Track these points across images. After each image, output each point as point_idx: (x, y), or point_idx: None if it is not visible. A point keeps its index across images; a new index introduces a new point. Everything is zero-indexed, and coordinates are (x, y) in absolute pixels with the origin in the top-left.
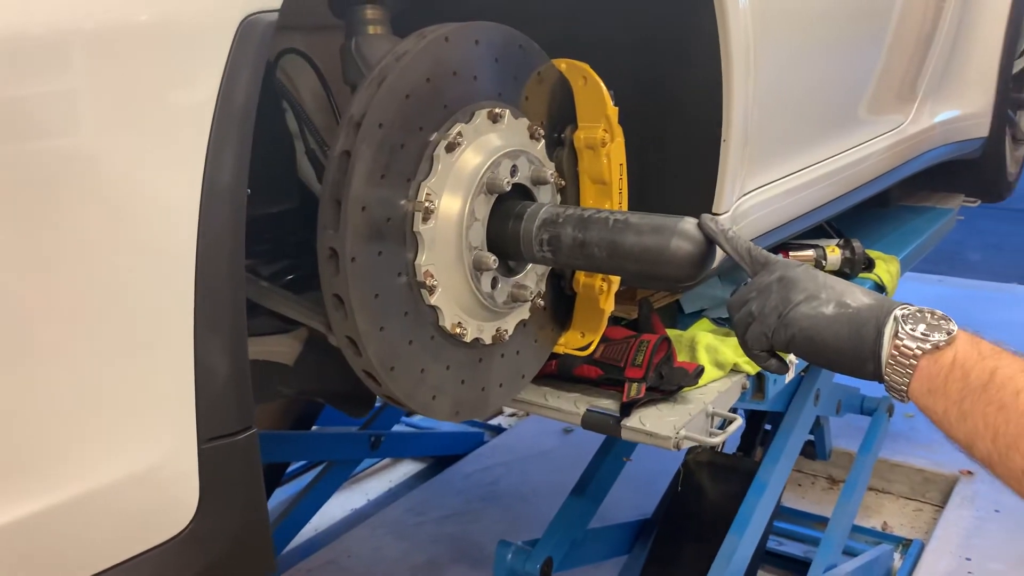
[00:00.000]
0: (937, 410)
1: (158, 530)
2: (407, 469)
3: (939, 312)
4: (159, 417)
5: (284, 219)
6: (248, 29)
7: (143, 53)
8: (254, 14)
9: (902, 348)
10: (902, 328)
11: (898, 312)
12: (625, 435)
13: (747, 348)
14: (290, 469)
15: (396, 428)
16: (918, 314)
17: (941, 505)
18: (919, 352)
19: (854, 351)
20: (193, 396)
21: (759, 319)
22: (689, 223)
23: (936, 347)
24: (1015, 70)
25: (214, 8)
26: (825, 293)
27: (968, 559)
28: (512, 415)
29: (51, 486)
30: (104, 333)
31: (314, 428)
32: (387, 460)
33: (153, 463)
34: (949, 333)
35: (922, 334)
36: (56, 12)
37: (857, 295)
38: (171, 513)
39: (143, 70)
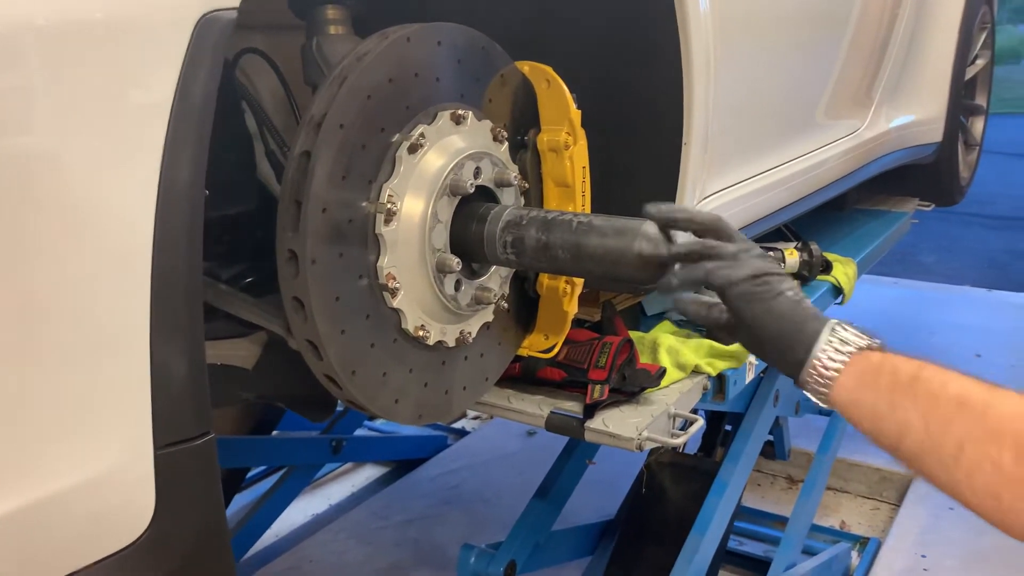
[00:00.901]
0: (866, 403)
1: (113, 538)
2: (370, 473)
3: (868, 329)
4: (113, 422)
5: (243, 220)
6: (206, 27)
7: (96, 50)
8: (212, 12)
9: (841, 338)
10: (837, 327)
11: (835, 321)
12: (588, 437)
13: (697, 279)
14: (250, 474)
15: (358, 432)
16: (852, 327)
17: (897, 504)
18: (853, 350)
19: (789, 337)
20: (149, 401)
21: (732, 264)
22: (652, 225)
23: (868, 347)
24: (967, 77)
25: (171, 5)
26: (792, 292)
27: (923, 556)
28: (475, 418)
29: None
30: (55, 336)
31: (275, 433)
32: (349, 464)
33: (107, 469)
34: (880, 339)
35: (855, 334)
36: (6, 7)
37: (809, 304)
38: (126, 520)
39: (96, 67)
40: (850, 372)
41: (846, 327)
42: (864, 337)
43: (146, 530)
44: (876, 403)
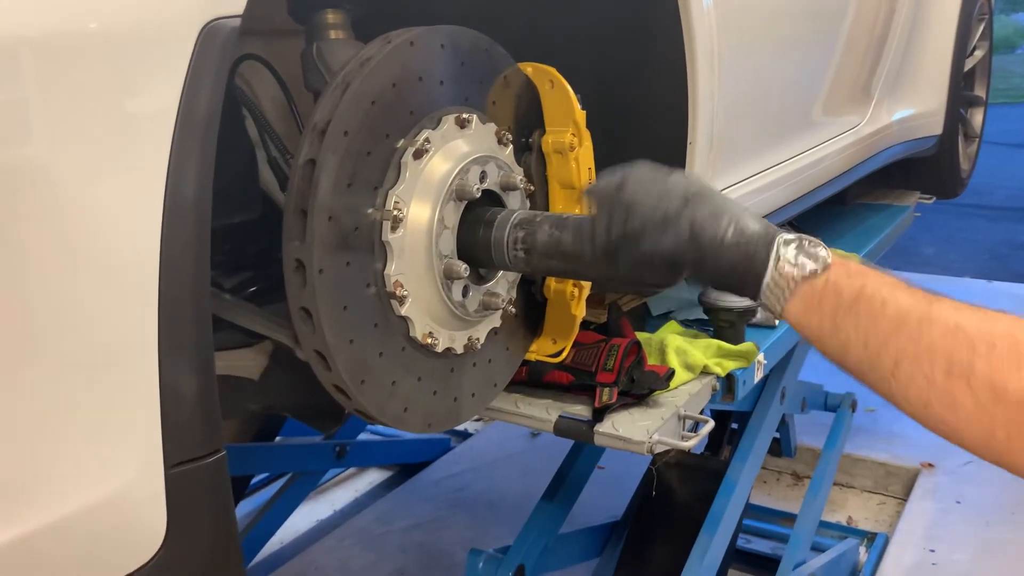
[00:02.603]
0: (812, 326)
1: (124, 560)
2: (373, 478)
3: (815, 239)
4: (124, 442)
5: (246, 229)
6: (210, 35)
7: (100, 60)
8: (216, 20)
9: (784, 273)
10: (783, 257)
11: (780, 239)
12: (598, 440)
13: (643, 245)
14: (254, 481)
15: (361, 437)
16: (797, 241)
17: (904, 498)
18: (798, 277)
19: (741, 275)
20: (159, 419)
21: (665, 225)
22: None
23: (813, 273)
24: (966, 68)
25: (175, 14)
26: (727, 217)
27: (932, 551)
28: (478, 420)
29: (9, 517)
30: (61, 353)
31: (278, 439)
32: (353, 469)
33: (118, 490)
34: (825, 259)
35: (800, 261)
36: (7, 18)
37: (748, 221)
38: (138, 542)
39: (99, 78)
40: (796, 299)
41: (789, 254)
42: (806, 263)
43: (158, 551)
44: (821, 325)
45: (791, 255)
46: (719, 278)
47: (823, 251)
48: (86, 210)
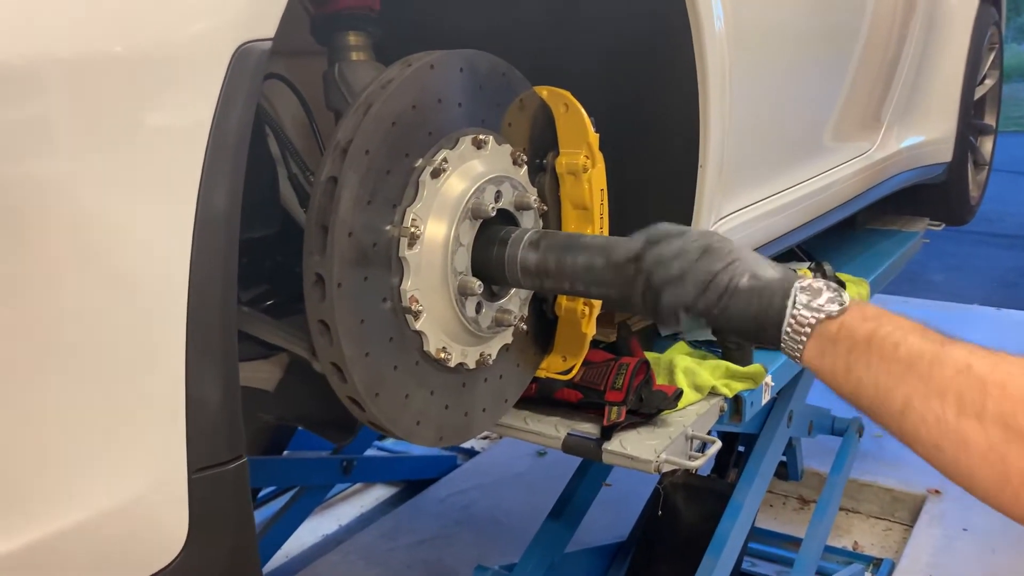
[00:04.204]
0: (826, 369)
1: (145, 564)
2: (379, 494)
3: (834, 284)
4: (149, 447)
5: (265, 243)
6: (242, 58)
7: (136, 81)
8: (248, 43)
9: (799, 318)
10: (800, 303)
11: (796, 286)
12: (606, 459)
13: (662, 307)
14: (261, 495)
15: (368, 452)
16: (815, 287)
17: (910, 524)
18: (813, 321)
19: (759, 322)
20: (184, 425)
21: (679, 283)
22: None
23: (829, 316)
24: (976, 97)
25: (209, 37)
26: (740, 265)
27: None
28: (485, 438)
29: (37, 519)
30: (92, 360)
31: (285, 453)
32: (359, 485)
33: (142, 494)
34: (841, 304)
35: (817, 306)
36: (45, 40)
37: (765, 267)
38: (159, 546)
39: (137, 99)
40: (811, 343)
41: (804, 299)
42: (823, 308)
43: (178, 555)
44: (834, 367)
45: (805, 300)
46: (738, 327)
47: (841, 295)
48: (120, 223)
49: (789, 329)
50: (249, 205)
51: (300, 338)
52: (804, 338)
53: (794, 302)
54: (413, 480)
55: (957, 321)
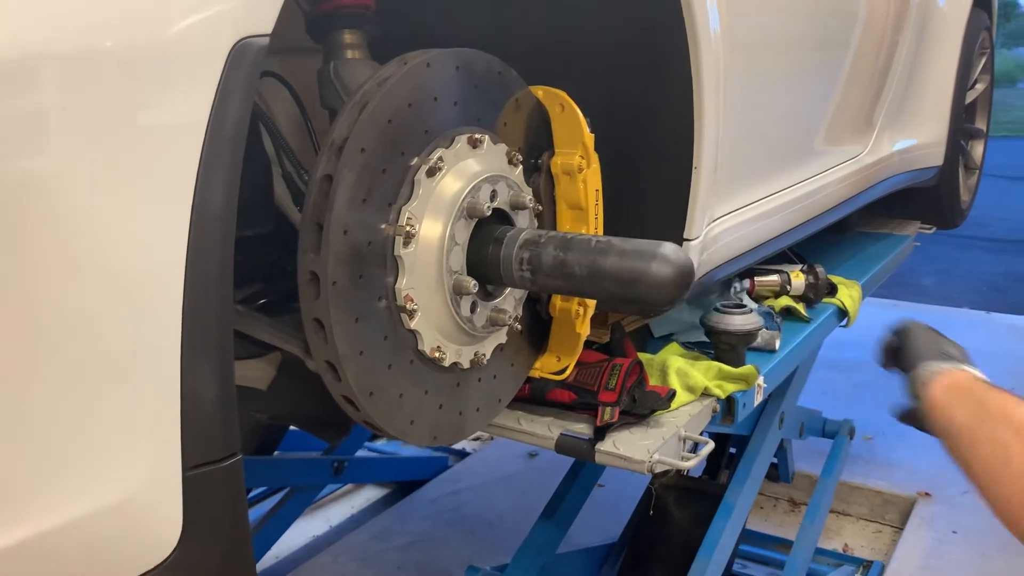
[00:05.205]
0: (948, 410)
1: (140, 561)
2: (370, 495)
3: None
4: (143, 443)
5: (258, 242)
6: (240, 53)
7: (134, 76)
8: (246, 38)
9: (932, 367)
10: (943, 362)
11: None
12: (599, 459)
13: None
14: (251, 495)
15: (359, 453)
16: (956, 362)
17: (900, 527)
18: (946, 368)
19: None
20: (178, 422)
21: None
22: (669, 248)
23: (957, 368)
24: (967, 101)
25: (206, 32)
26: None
27: None
28: (476, 439)
29: (31, 516)
30: (87, 357)
31: (276, 453)
32: (350, 485)
33: (136, 491)
34: (974, 374)
35: (950, 363)
36: (39, 35)
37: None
38: (153, 543)
39: (134, 94)
40: (939, 384)
41: (951, 363)
42: (957, 365)
43: (172, 552)
44: (954, 411)
45: (948, 361)
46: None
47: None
48: (115, 220)
49: (923, 369)
50: (243, 203)
51: (294, 336)
52: (932, 376)
53: (941, 360)
54: (404, 481)
55: (947, 325)
